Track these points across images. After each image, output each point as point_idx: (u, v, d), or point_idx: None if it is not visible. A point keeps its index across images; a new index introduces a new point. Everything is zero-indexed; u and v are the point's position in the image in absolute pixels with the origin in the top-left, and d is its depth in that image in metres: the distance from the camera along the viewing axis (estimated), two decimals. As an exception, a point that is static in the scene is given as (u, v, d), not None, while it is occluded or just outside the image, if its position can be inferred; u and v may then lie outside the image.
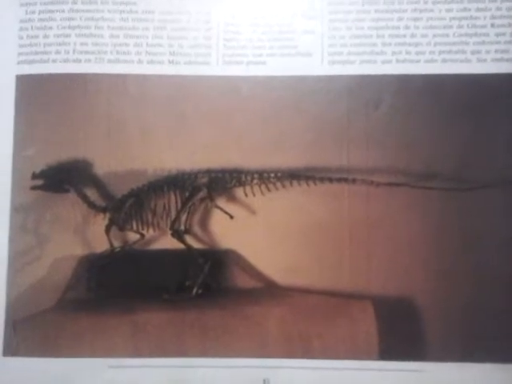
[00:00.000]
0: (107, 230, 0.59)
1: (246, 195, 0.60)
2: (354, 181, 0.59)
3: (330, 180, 0.59)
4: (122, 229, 0.60)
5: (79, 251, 0.58)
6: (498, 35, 0.60)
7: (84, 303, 0.58)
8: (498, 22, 0.60)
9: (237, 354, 0.57)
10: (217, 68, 0.60)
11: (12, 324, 0.57)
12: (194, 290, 0.58)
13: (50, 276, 0.58)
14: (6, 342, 0.57)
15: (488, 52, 0.59)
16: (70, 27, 0.61)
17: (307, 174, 0.59)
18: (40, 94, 0.60)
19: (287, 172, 0.59)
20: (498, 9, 0.60)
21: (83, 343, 0.56)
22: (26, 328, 0.57)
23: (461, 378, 0.56)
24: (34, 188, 0.59)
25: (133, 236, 0.60)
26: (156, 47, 0.61)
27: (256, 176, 0.59)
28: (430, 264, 0.58)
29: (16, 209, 0.59)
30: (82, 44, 0.60)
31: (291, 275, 0.58)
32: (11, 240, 0.58)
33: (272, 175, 0.59)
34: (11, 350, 0.57)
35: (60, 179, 0.59)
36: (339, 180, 0.59)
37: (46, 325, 0.57)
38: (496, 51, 0.59)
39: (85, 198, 0.59)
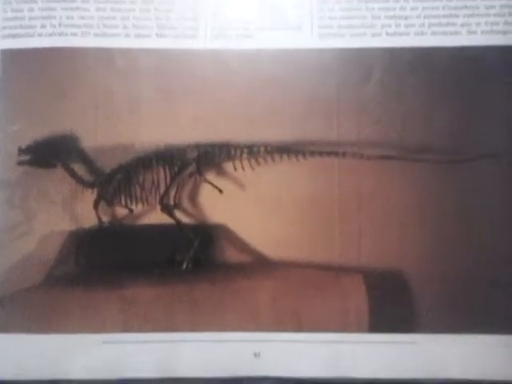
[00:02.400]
0: (95, 205, 0.58)
1: (235, 169, 0.59)
2: (344, 154, 0.58)
3: (320, 154, 0.58)
4: (110, 204, 0.59)
5: (67, 226, 0.57)
6: (487, 7, 0.59)
7: (73, 279, 0.56)
8: (487, -6, 0.59)
9: (227, 328, 0.56)
10: (205, 42, 0.59)
11: (0, 300, 0.56)
12: (184, 265, 0.57)
13: (38, 251, 0.57)
14: None
15: (478, 24, 0.59)
16: (55, 0, 0.59)
17: (297, 147, 0.58)
18: (25, 69, 0.59)
19: (276, 146, 0.58)
20: (488, -19, 0.59)
21: (73, 319, 0.55)
22: (14, 304, 0.56)
23: (453, 349, 0.55)
24: (20, 163, 0.57)
25: (121, 211, 0.59)
26: (143, 20, 0.59)
27: (245, 150, 0.58)
28: (422, 237, 0.57)
29: (2, 184, 0.57)
30: (67, 17, 0.59)
31: (281, 249, 0.57)
32: (-2, 216, 0.57)
33: (261, 149, 0.58)
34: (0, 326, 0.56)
35: (47, 154, 0.58)
36: (329, 154, 0.58)
37: (34, 300, 0.56)
38: (486, 23, 0.59)
39: (72, 173, 0.58)
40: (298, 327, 0.56)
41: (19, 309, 0.56)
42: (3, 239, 0.57)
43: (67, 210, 0.58)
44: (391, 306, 0.56)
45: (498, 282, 0.56)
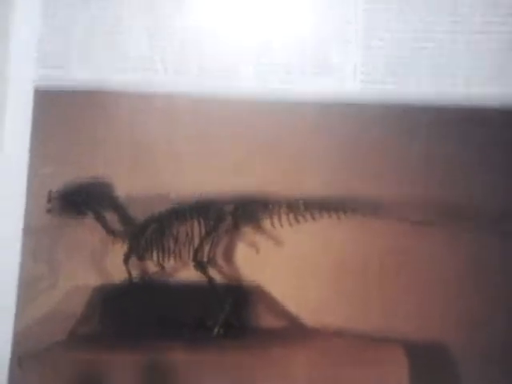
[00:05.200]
0: (126, 259, 0.52)
1: (273, 226, 0.52)
2: (387, 216, 0.51)
3: (363, 213, 0.52)
4: (141, 258, 0.52)
5: (95, 281, 0.51)
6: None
7: (97, 338, 0.50)
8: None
9: (258, 397, 0.49)
10: (246, 86, 0.53)
11: (18, 359, 0.49)
12: (215, 330, 0.51)
13: (62, 307, 0.50)
14: (11, 380, 0.49)
15: (531, 85, 0.53)
16: (93, 39, 0.54)
17: (338, 205, 0.52)
18: (59, 110, 0.53)
19: (317, 202, 0.52)
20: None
21: (95, 382, 0.49)
22: (33, 364, 0.49)
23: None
24: (49, 210, 0.51)
25: (152, 266, 0.52)
26: (183, 63, 0.53)
27: (284, 205, 0.52)
28: (465, 308, 0.51)
29: (29, 232, 0.51)
30: (105, 57, 0.53)
31: (318, 314, 0.51)
32: (22, 266, 0.51)
33: (301, 204, 0.52)
34: (16, 387, 0.50)
35: (78, 201, 0.52)
36: (371, 214, 0.52)
37: (55, 361, 0.49)
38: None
39: (104, 223, 0.52)
40: (334, 400, 0.49)
41: (38, 369, 0.49)
42: (26, 292, 0.51)
43: (95, 263, 0.51)
44: (434, 381, 0.50)
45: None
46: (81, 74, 0.53)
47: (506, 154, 0.53)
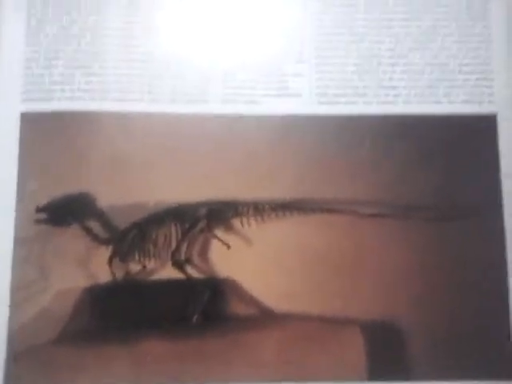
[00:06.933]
0: (110, 261, 0.55)
1: (243, 225, 0.57)
2: (341, 212, 0.57)
3: (321, 210, 0.57)
4: (124, 260, 0.56)
5: (82, 283, 0.54)
6: (465, 80, 0.60)
7: (86, 334, 0.53)
8: (464, 68, 0.60)
9: (235, 379, 0.53)
10: (215, 107, 0.58)
11: (13, 355, 0.52)
12: (194, 319, 0.54)
13: (53, 308, 0.53)
14: (7, 374, 0.52)
15: (457, 95, 0.60)
16: (74, 67, 0.57)
17: (298, 205, 0.57)
18: (44, 131, 0.57)
19: (280, 203, 0.57)
20: (465, 57, 0.60)
21: (85, 374, 0.52)
22: (27, 359, 0.52)
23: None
24: (37, 221, 0.54)
25: (135, 267, 0.56)
26: (158, 87, 0.58)
27: (251, 207, 0.57)
28: (413, 290, 0.56)
29: (19, 241, 0.54)
30: (86, 83, 0.57)
31: (285, 302, 0.55)
32: (14, 272, 0.54)
33: (266, 206, 0.57)
34: (12, 382, 0.52)
35: (64, 213, 0.55)
36: (328, 211, 0.57)
37: (47, 356, 0.52)
38: (464, 94, 0.59)
39: (88, 231, 0.55)
40: (302, 377, 0.53)
41: (32, 364, 0.52)
42: (19, 295, 0.53)
43: (82, 267, 0.55)
44: (387, 354, 0.55)
45: (489, 329, 0.55)
46: (64, 98, 0.57)
47: (442, 157, 0.59)
